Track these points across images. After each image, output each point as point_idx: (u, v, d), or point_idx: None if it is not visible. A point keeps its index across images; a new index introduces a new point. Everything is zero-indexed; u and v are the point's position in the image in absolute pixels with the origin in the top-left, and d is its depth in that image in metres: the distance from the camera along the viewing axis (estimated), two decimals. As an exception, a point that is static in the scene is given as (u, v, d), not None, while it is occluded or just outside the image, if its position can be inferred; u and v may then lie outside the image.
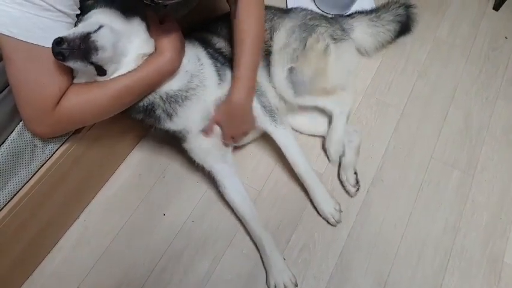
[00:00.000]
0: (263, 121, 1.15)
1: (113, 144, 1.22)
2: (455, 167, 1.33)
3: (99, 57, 0.81)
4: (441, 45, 1.61)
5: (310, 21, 1.27)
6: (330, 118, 1.27)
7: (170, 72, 0.96)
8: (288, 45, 1.21)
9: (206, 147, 1.13)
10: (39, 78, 0.80)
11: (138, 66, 0.90)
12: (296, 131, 1.34)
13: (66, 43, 0.76)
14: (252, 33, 1.02)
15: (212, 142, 1.13)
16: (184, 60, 0.99)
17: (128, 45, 0.89)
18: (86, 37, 0.78)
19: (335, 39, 1.26)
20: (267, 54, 1.24)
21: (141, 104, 0.99)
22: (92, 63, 0.81)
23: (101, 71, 0.85)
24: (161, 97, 1.00)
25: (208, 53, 1.09)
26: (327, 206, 1.18)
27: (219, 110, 1.08)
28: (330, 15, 1.52)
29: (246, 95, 1.06)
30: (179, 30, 0.97)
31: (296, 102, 1.23)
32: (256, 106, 1.13)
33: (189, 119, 1.06)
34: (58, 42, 0.75)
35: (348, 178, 1.24)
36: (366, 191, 1.26)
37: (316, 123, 1.32)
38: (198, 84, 1.03)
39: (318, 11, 1.60)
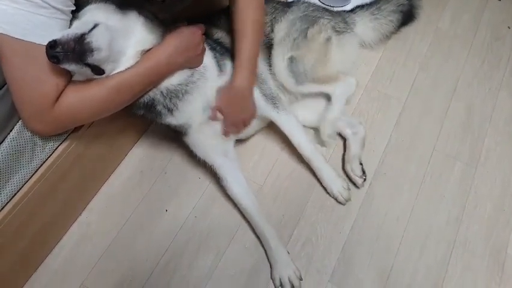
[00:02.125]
0: (265, 108, 1.15)
1: (113, 141, 1.21)
2: (458, 159, 1.32)
3: (95, 58, 0.79)
4: (442, 37, 1.59)
5: (312, 13, 1.26)
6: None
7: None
8: (289, 35, 1.21)
9: (208, 142, 1.13)
10: (36, 75, 0.78)
11: (137, 62, 0.89)
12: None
13: (60, 46, 0.73)
14: (252, 21, 1.02)
15: (214, 136, 1.12)
16: None
17: (125, 43, 0.87)
18: (80, 39, 0.76)
19: (337, 31, 1.26)
20: (268, 47, 1.23)
21: (142, 100, 0.98)
22: (88, 64, 0.79)
23: (98, 70, 0.83)
24: (162, 93, 0.99)
25: (207, 43, 1.08)
26: (336, 185, 1.19)
27: (221, 96, 1.07)
28: (331, 8, 1.50)
29: (248, 80, 1.06)
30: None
31: (298, 90, 1.23)
32: (257, 95, 1.13)
33: (190, 113, 1.06)
34: (52, 45, 0.73)
35: (354, 169, 1.24)
36: (368, 184, 1.26)
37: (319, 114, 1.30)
38: (199, 77, 1.03)
39: (319, 3, 1.58)
